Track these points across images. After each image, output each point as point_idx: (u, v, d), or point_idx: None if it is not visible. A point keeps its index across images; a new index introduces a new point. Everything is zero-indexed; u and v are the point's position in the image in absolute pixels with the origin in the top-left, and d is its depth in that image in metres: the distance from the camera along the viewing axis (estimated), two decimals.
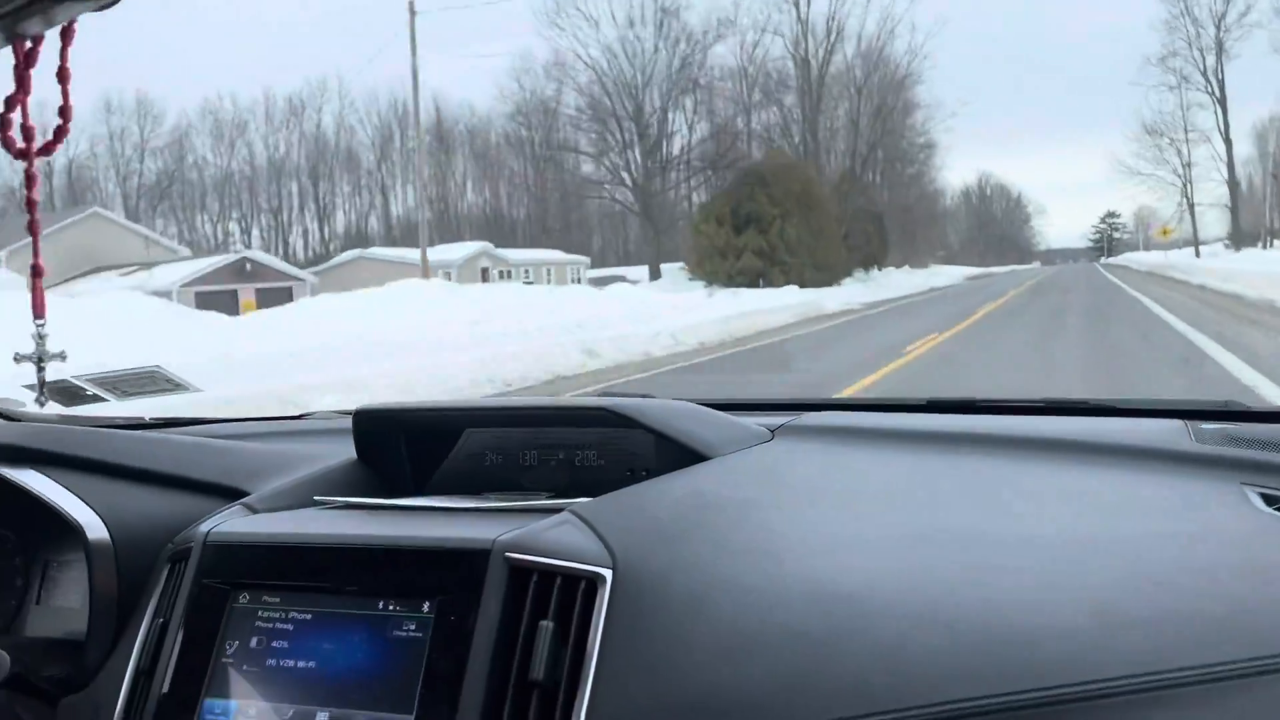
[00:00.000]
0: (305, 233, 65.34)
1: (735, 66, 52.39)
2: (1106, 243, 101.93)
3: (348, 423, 1.27)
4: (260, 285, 31.67)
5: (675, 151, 53.16)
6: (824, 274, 37.76)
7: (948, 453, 1.16)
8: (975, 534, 0.93)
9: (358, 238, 60.89)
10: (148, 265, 31.93)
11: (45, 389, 1.29)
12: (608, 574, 0.87)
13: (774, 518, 0.99)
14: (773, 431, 1.23)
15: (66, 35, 0.66)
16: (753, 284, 34.15)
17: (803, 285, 33.33)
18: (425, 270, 27.29)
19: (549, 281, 42.77)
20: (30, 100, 0.71)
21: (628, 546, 0.90)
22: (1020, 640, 0.77)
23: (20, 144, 0.66)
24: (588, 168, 54.54)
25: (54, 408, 1.66)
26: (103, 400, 1.59)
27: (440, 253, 40.41)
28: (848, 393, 8.76)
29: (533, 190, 62.54)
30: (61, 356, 1.25)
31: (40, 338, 1.20)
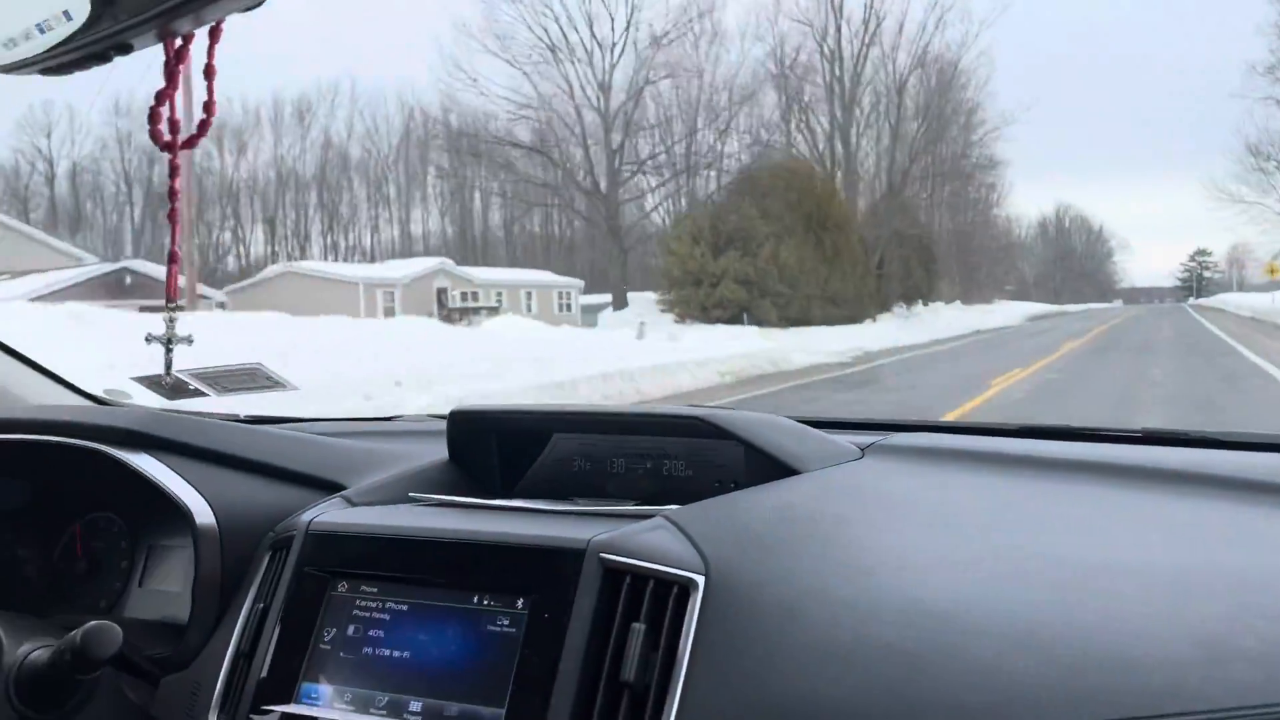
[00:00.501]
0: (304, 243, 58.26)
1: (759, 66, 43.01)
2: (1196, 282, 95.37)
3: (438, 425, 1.30)
4: (146, 302, 23.14)
5: (645, 152, 42.26)
6: (844, 309, 30.80)
7: (1043, 478, 1.14)
8: (1073, 560, 0.92)
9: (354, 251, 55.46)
10: (15, 274, 26.44)
11: (169, 373, 1.35)
12: (700, 580, 0.87)
13: (866, 534, 0.98)
14: (863, 450, 1.22)
15: (214, 34, 0.70)
16: (734, 319, 27.74)
17: (809, 323, 27.44)
18: (191, 296, 20.70)
19: (529, 307, 35.93)
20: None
21: (721, 554, 0.90)
22: (1121, 667, 0.76)
23: (167, 136, 0.70)
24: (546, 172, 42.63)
25: (157, 399, 1.73)
26: (203, 394, 1.64)
27: (388, 270, 35.49)
28: None
29: (507, 200, 50.85)
30: (189, 340, 1.31)
31: (170, 320, 1.26)
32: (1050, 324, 37.70)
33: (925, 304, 39.56)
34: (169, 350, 1.30)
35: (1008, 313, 43.75)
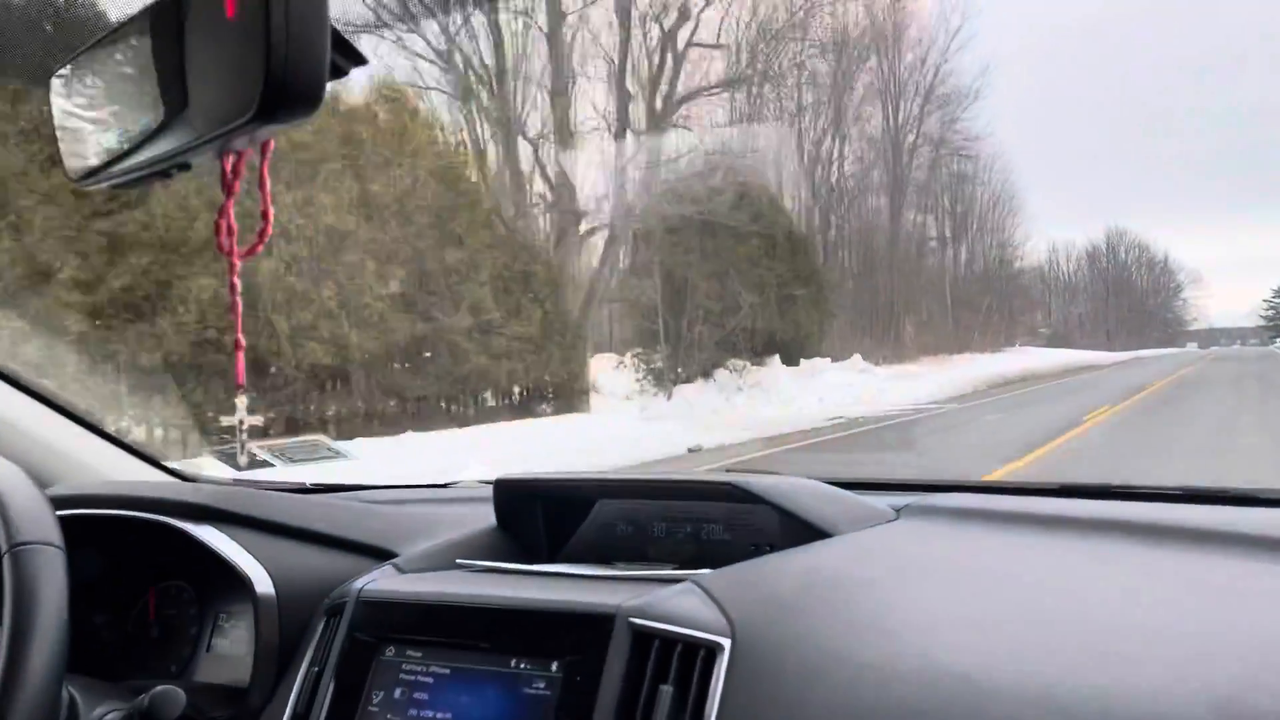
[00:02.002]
0: None
1: None
2: None
3: (487, 491, 1.36)
4: None
5: None
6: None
7: (1076, 538, 1.15)
8: (1099, 621, 0.93)
9: None
10: None
11: (243, 450, 1.45)
12: (726, 643, 0.91)
13: (892, 596, 1.01)
14: (897, 511, 1.25)
15: (265, 149, 0.78)
16: None
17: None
18: None
19: None
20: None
21: (747, 618, 0.93)
22: None
23: (227, 242, 0.78)
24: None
25: (228, 470, 1.82)
26: (270, 465, 1.74)
27: None
28: None
29: None
30: (262, 426, 1.41)
31: (241, 404, 1.36)
32: (1038, 393, 19.32)
33: (791, 361, 18.19)
34: (241, 431, 1.41)
35: (979, 372, 23.10)
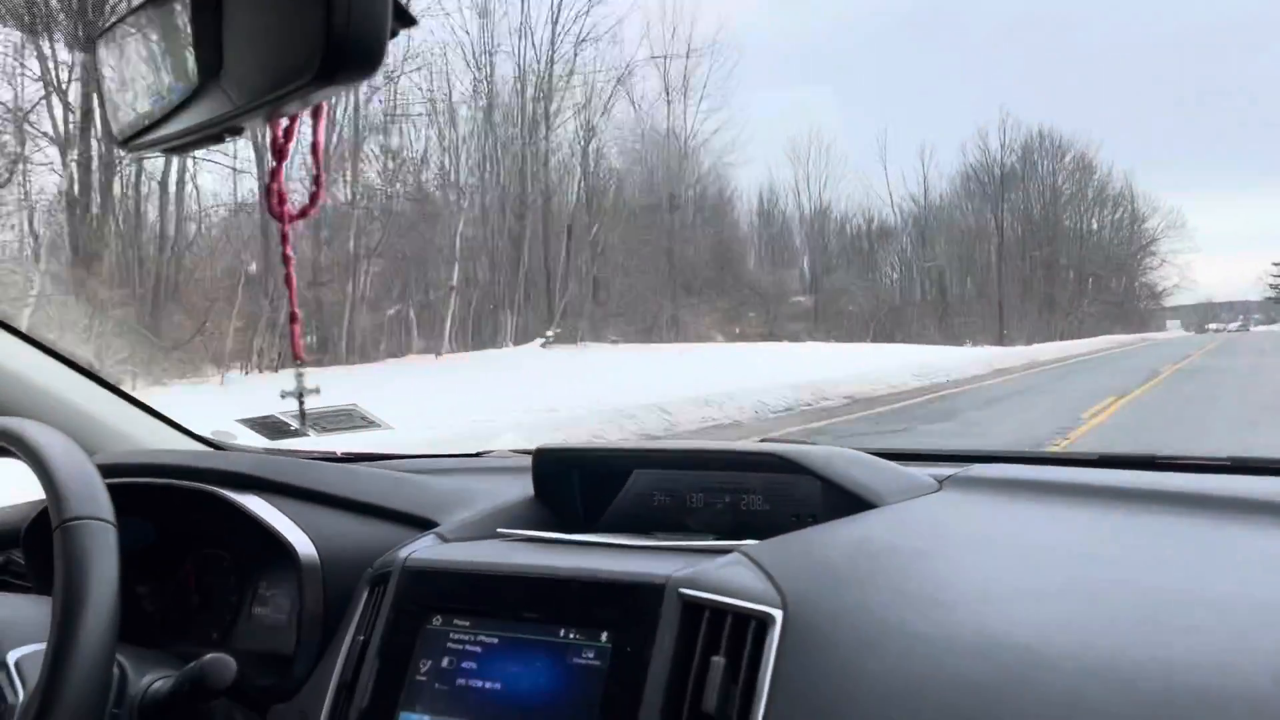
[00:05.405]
0: None
1: None
2: None
3: (523, 460, 1.35)
4: None
5: None
6: None
7: (1124, 509, 1.14)
8: (1153, 592, 0.92)
9: None
10: None
11: (304, 419, 1.48)
12: (778, 615, 0.90)
13: (943, 567, 1.00)
14: (940, 482, 1.23)
15: (317, 113, 0.76)
16: None
17: None
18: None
19: None
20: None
21: (798, 589, 0.92)
22: (1200, 701, 0.76)
23: (278, 208, 0.77)
24: None
25: (261, 440, 1.82)
26: (303, 434, 1.74)
27: None
28: None
29: None
30: (316, 391, 1.42)
31: (299, 375, 1.36)
32: None
33: None
34: (301, 401, 1.42)
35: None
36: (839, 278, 39.37)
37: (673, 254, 32.28)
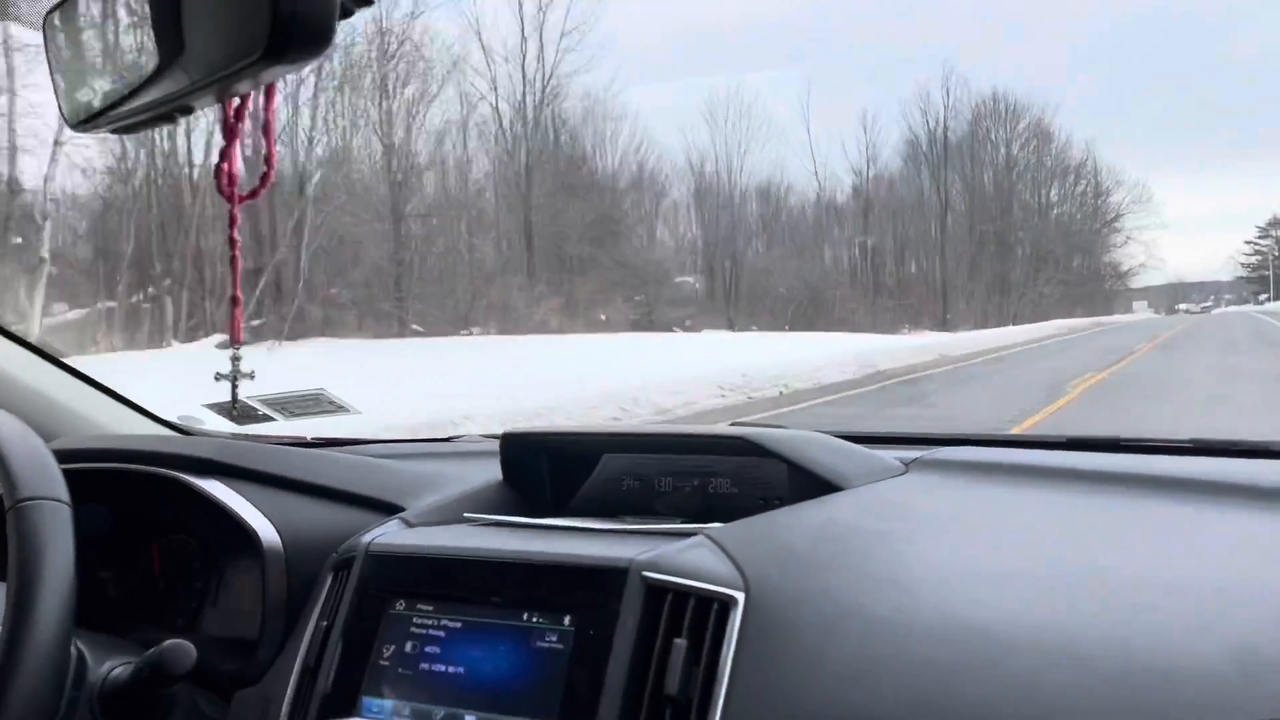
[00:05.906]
0: None
1: None
2: (1276, 272, 51.59)
3: (492, 445, 1.34)
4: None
5: None
6: None
7: (1088, 491, 1.15)
8: (1113, 573, 0.92)
9: None
10: None
11: (235, 405, 1.44)
12: (740, 597, 0.90)
13: (906, 549, 1.00)
14: (906, 465, 1.24)
15: (269, 93, 0.75)
16: None
17: None
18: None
19: None
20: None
21: (760, 571, 0.93)
22: (1157, 681, 0.77)
23: (227, 189, 0.76)
24: None
25: (228, 425, 1.81)
26: (271, 419, 1.72)
27: None
28: None
29: None
30: (251, 376, 1.40)
31: (235, 359, 1.34)
32: None
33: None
34: (235, 386, 1.40)
35: None
36: (756, 257, 33.37)
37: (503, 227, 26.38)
